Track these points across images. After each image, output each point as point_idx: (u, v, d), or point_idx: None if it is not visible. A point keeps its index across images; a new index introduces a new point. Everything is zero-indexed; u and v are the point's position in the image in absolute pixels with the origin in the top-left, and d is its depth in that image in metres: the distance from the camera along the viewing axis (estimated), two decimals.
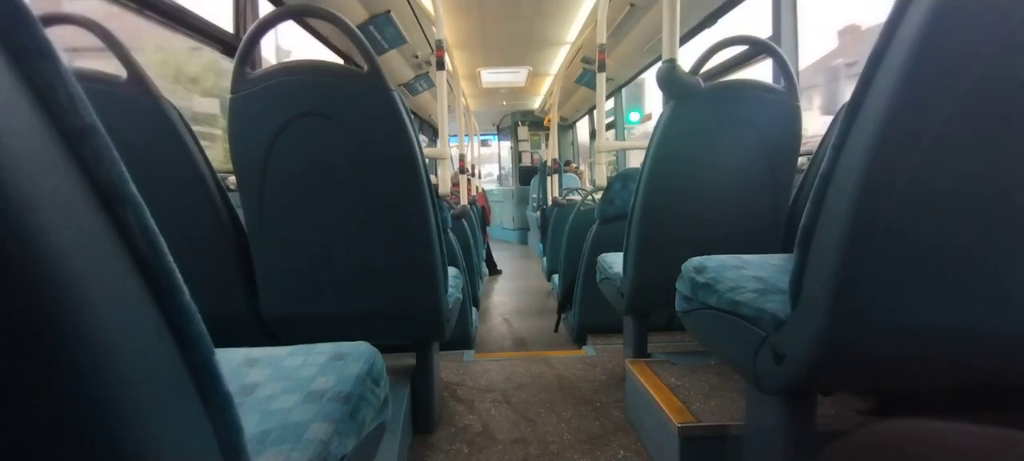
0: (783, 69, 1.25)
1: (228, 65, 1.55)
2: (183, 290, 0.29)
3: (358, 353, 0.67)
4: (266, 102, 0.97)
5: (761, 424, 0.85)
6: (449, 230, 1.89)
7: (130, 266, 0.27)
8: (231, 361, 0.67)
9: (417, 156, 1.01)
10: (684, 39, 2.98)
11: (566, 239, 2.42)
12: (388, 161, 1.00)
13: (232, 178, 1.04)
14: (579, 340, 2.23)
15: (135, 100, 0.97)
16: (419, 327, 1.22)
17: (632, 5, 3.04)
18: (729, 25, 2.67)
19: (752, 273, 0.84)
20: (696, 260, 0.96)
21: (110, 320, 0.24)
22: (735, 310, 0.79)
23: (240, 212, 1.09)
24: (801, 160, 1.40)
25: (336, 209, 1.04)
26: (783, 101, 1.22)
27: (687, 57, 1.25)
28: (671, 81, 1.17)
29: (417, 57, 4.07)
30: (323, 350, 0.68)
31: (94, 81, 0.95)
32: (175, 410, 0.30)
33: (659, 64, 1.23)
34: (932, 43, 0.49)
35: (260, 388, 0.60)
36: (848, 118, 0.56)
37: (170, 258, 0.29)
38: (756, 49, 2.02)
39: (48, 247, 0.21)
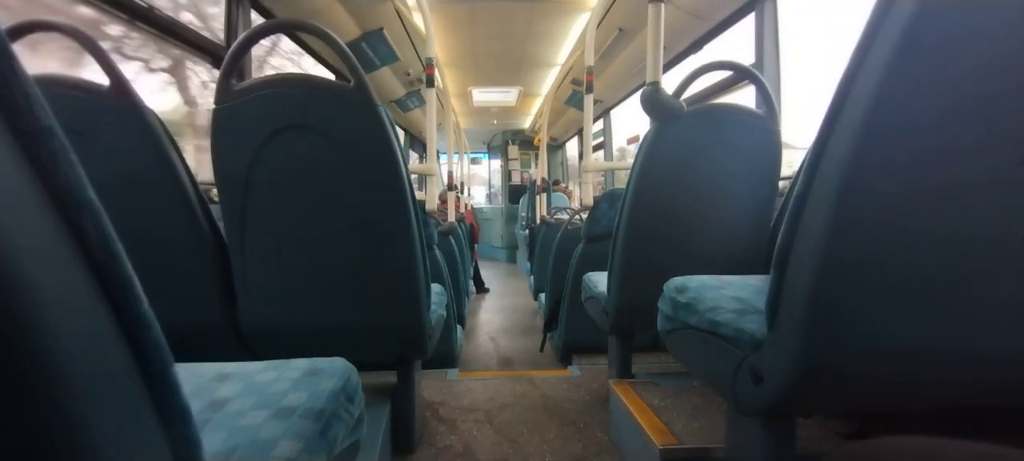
0: (764, 95, 1.28)
1: None
2: (141, 299, 0.29)
3: (332, 369, 0.65)
4: (251, 114, 0.97)
5: (742, 446, 0.85)
6: (434, 247, 1.88)
7: (86, 272, 0.26)
8: (202, 376, 0.66)
9: (402, 171, 1.01)
10: (670, 64, 3.05)
11: (553, 258, 2.43)
12: (372, 176, 1.00)
13: (214, 190, 1.03)
14: (565, 359, 2.21)
15: (118, 109, 0.96)
16: (400, 344, 1.21)
17: (620, 30, 3.10)
18: (714, 52, 2.75)
19: (732, 293, 0.85)
20: (677, 280, 0.96)
21: (60, 326, 0.23)
22: (714, 330, 0.79)
23: (222, 224, 1.07)
24: (782, 184, 1.43)
25: (319, 223, 1.03)
26: (764, 126, 1.25)
27: (673, 82, 1.28)
28: (654, 103, 1.19)
29: (409, 74, 4.10)
30: (297, 366, 0.66)
31: (76, 89, 0.94)
32: (129, 422, 0.29)
33: (644, 87, 1.26)
34: (904, 65, 0.50)
35: (229, 403, 0.58)
36: (821, 137, 0.57)
37: (128, 266, 0.28)
38: (739, 75, 2.07)
39: None
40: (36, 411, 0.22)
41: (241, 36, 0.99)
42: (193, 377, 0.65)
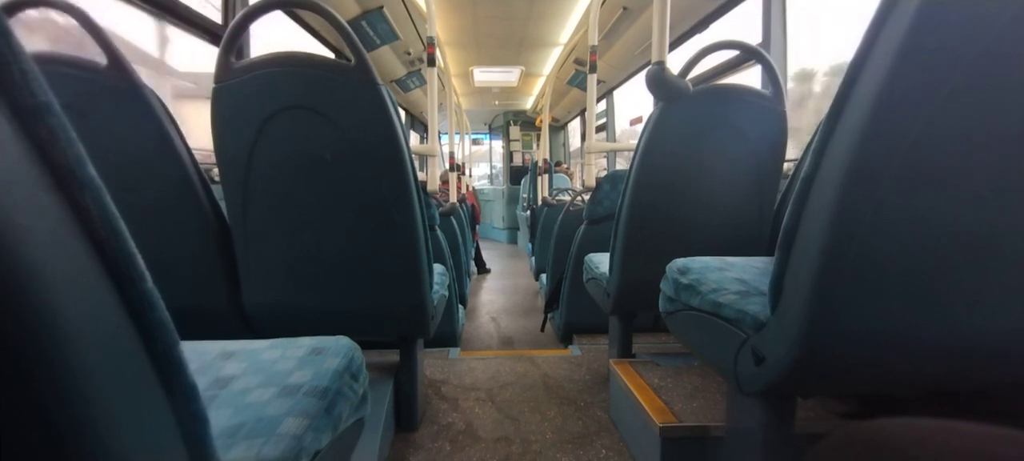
0: (771, 75, 1.26)
1: None
2: (145, 277, 0.28)
3: (337, 347, 0.66)
4: (251, 93, 0.96)
5: (741, 425, 0.86)
6: (436, 227, 1.88)
7: (88, 251, 0.26)
8: (207, 354, 0.66)
9: (404, 151, 1.00)
10: (675, 44, 3.00)
11: (554, 239, 2.43)
12: (374, 155, 0.99)
13: (215, 170, 1.02)
14: (565, 339, 2.23)
15: (115, 87, 0.94)
16: (403, 323, 1.22)
17: (625, 9, 3.05)
18: (720, 31, 2.70)
19: (735, 275, 0.85)
20: (680, 261, 0.96)
21: (65, 306, 0.23)
22: (717, 312, 0.79)
23: (223, 204, 1.07)
24: (787, 166, 1.42)
25: (321, 203, 1.03)
26: (770, 106, 1.23)
27: (678, 61, 1.26)
28: (660, 83, 1.18)
29: (409, 54, 4.05)
30: (301, 344, 0.67)
31: (72, 66, 0.92)
32: (136, 400, 0.29)
33: (649, 66, 1.24)
34: (915, 46, 0.49)
35: (235, 381, 0.59)
36: (830, 121, 0.57)
37: (131, 244, 0.28)
38: (745, 54, 2.03)
39: None
40: (42, 391, 0.22)
41: (241, 12, 0.97)
42: (197, 355, 0.66)
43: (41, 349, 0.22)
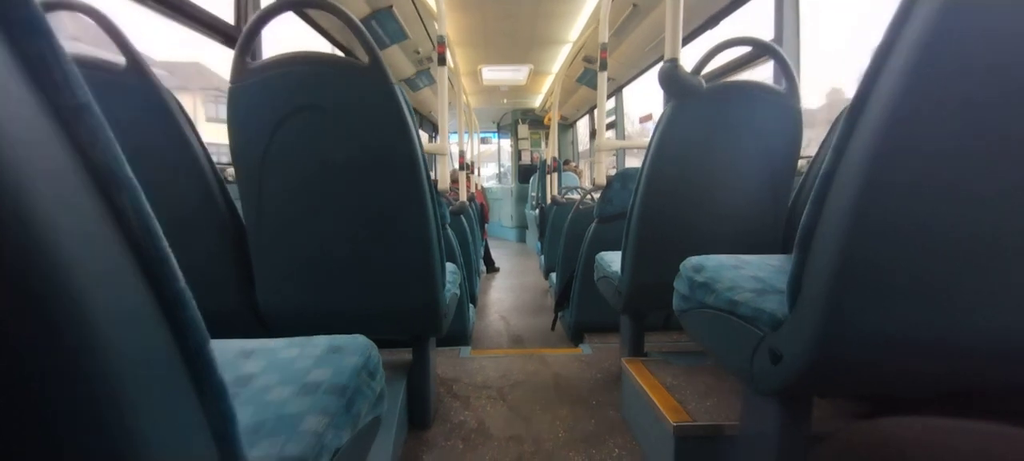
0: (785, 71, 1.24)
1: None
2: (178, 276, 0.29)
3: (354, 346, 0.66)
4: (266, 93, 0.97)
5: (756, 425, 0.85)
6: (447, 226, 1.88)
7: (125, 251, 0.27)
8: (226, 352, 0.67)
9: (417, 151, 1.00)
10: (687, 40, 2.98)
11: (564, 237, 2.42)
12: (388, 156, 1.00)
13: (231, 170, 1.04)
14: (576, 338, 2.23)
15: (134, 89, 0.96)
16: (416, 322, 1.22)
17: (635, 5, 3.03)
18: (732, 27, 2.67)
19: (750, 273, 0.84)
20: (694, 259, 0.96)
21: (104, 305, 0.24)
22: (733, 310, 0.79)
23: (239, 204, 1.08)
24: (801, 163, 1.40)
25: (335, 203, 1.04)
26: (784, 103, 1.22)
27: (690, 58, 1.25)
28: (672, 81, 1.17)
29: (418, 53, 4.06)
30: (319, 342, 0.68)
31: (91, 68, 0.94)
32: (168, 398, 0.29)
33: (661, 64, 1.23)
34: (938, 45, 0.48)
35: (255, 379, 0.59)
36: (851, 119, 0.56)
37: (165, 244, 0.28)
38: (758, 50, 2.01)
39: (42, 229, 0.20)
40: (82, 388, 0.23)
41: (255, 13, 0.98)
42: (217, 354, 0.66)
43: (79, 346, 0.22)
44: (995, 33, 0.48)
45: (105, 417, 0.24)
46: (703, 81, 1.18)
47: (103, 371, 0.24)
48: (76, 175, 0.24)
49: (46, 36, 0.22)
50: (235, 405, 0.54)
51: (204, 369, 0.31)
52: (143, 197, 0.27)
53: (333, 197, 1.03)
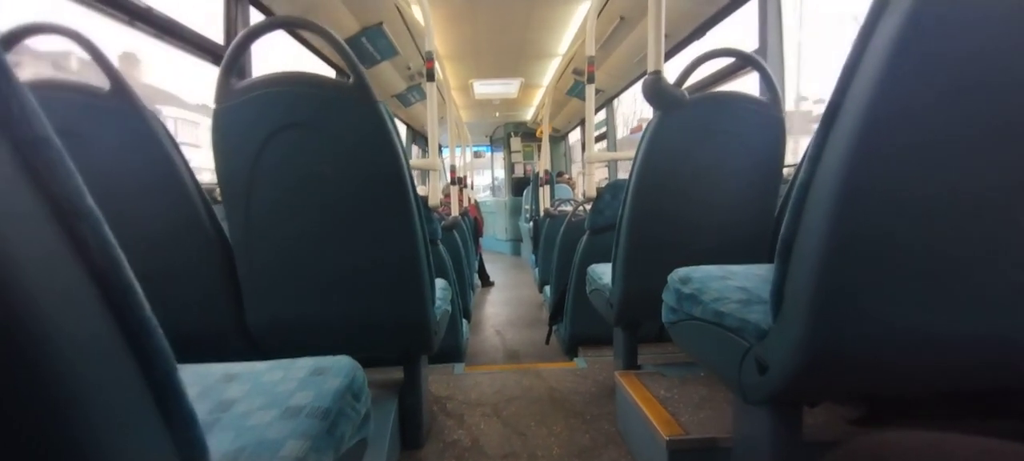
0: (768, 82, 1.26)
1: None
2: (143, 305, 0.29)
3: (338, 368, 0.66)
4: (251, 114, 0.97)
5: (748, 435, 0.85)
6: (438, 242, 1.88)
7: (87, 280, 0.26)
8: (209, 377, 0.66)
9: (403, 167, 1.01)
10: (673, 51, 3.02)
11: (557, 250, 2.42)
12: (373, 173, 1.00)
13: (217, 190, 1.03)
14: (571, 352, 2.22)
15: (118, 111, 0.96)
16: (406, 339, 1.21)
17: (622, 18, 3.07)
18: (717, 39, 2.71)
19: (736, 283, 0.84)
20: (681, 271, 0.96)
21: (64, 336, 0.24)
22: (719, 321, 0.79)
23: (225, 224, 1.08)
24: (786, 172, 1.42)
25: (322, 221, 1.03)
26: (768, 113, 1.23)
27: (677, 69, 1.27)
28: (656, 92, 1.18)
29: (410, 68, 4.09)
30: (303, 365, 0.67)
31: (75, 92, 0.94)
32: (135, 428, 0.29)
33: (645, 76, 1.24)
34: (907, 50, 0.49)
35: (237, 404, 0.59)
36: (824, 127, 0.57)
37: (130, 272, 0.28)
38: (742, 62, 2.04)
39: None
40: (39, 419, 0.22)
41: (240, 34, 0.99)
42: (201, 378, 0.66)
43: (38, 377, 0.22)
44: (965, 34, 0.49)
45: (67, 449, 0.24)
46: (686, 93, 1.19)
47: (64, 401, 0.23)
48: (34, 207, 0.24)
49: (1, 71, 0.22)
50: (216, 431, 0.54)
51: (172, 398, 0.31)
52: (105, 227, 0.27)
53: (319, 215, 1.03)
